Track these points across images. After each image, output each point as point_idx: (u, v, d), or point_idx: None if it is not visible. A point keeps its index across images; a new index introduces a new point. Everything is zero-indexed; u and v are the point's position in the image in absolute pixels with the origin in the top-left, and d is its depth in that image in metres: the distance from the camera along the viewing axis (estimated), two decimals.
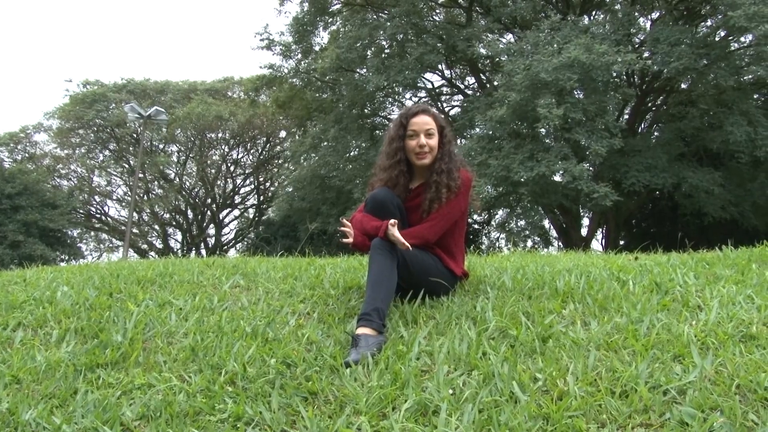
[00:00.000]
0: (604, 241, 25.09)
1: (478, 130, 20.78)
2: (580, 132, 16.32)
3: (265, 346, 2.78)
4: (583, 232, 22.72)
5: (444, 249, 3.48)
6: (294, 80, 24.43)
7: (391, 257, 3.13)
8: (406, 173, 3.50)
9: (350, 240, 3.30)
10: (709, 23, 19.30)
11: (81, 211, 33.19)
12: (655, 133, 21.41)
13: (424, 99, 25.07)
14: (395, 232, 3.12)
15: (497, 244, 29.50)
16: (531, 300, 3.18)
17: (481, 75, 23.69)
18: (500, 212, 26.47)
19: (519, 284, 3.53)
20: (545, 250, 29.82)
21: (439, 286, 3.39)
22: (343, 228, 3.35)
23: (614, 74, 17.54)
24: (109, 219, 34.90)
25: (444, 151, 3.47)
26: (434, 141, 3.46)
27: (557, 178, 17.06)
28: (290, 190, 25.53)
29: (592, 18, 21.07)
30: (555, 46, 16.75)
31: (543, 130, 17.21)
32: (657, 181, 17.23)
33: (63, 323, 3.36)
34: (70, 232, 28.90)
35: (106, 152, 33.27)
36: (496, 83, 20.28)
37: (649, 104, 22.30)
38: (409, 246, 3.12)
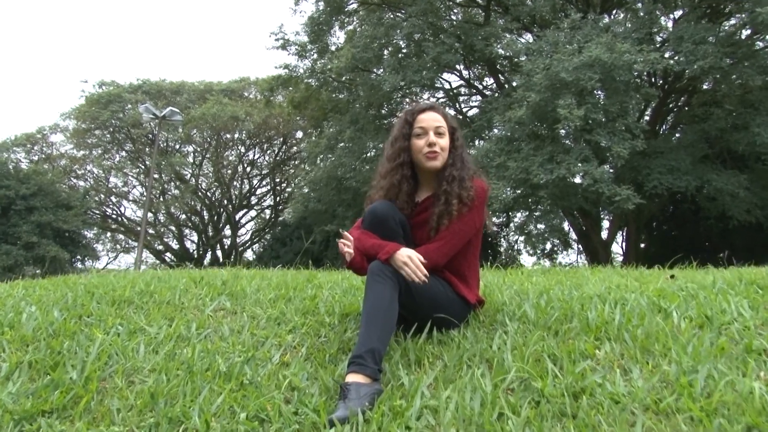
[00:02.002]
0: (624, 244, 24.56)
1: (496, 131, 20.32)
2: (601, 133, 15.78)
3: (239, 391, 2.33)
4: (604, 234, 22.16)
5: (455, 272, 2.98)
6: (310, 80, 24.07)
7: (392, 285, 2.65)
8: (411, 179, 3.01)
9: (350, 251, 2.82)
10: (733, 21, 18.66)
11: (97, 211, 33.09)
12: (677, 135, 20.78)
13: (441, 99, 24.59)
14: (414, 255, 2.70)
15: (516, 247, 29.02)
16: (558, 337, 2.67)
17: (500, 75, 23.15)
18: (519, 215, 25.91)
19: (543, 315, 3.03)
20: (564, 252, 29.39)
21: (448, 316, 2.91)
22: (342, 241, 2.86)
23: (636, 74, 17.00)
24: (125, 220, 34.80)
25: (455, 156, 2.99)
26: (445, 141, 2.99)
27: (577, 180, 16.54)
28: (306, 191, 25.17)
29: (612, 17, 20.48)
30: (575, 45, 16.21)
31: (563, 131, 16.68)
32: (680, 183, 16.64)
33: (17, 354, 2.93)
34: (85, 233, 28.66)
35: (123, 153, 33.17)
36: (515, 83, 19.74)
37: (671, 105, 21.68)
38: (426, 278, 2.67)
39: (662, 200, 20.11)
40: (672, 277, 3.98)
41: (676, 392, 2.00)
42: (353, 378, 2.26)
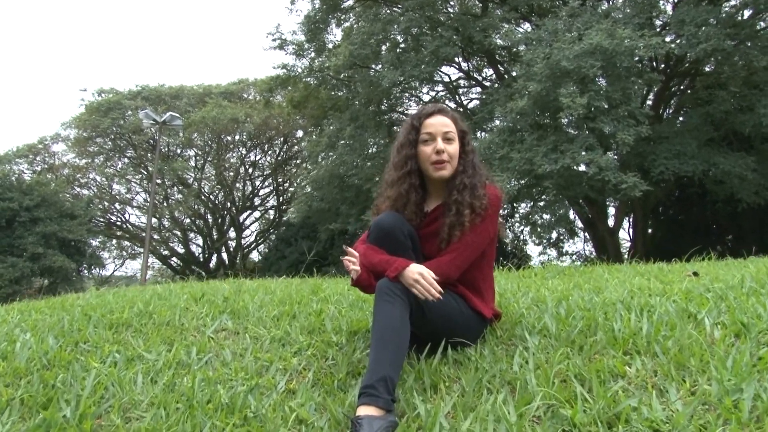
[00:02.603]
0: (631, 230, 24.34)
1: (498, 122, 20.12)
2: (605, 120, 15.57)
3: (243, 426, 2.16)
4: (610, 222, 21.96)
5: (469, 285, 2.78)
6: (308, 79, 23.87)
7: (403, 304, 2.45)
8: (419, 188, 2.82)
9: (356, 268, 2.63)
10: (733, 2, 18.39)
11: (102, 219, 33.05)
12: (682, 119, 20.53)
13: (441, 93, 24.38)
14: (425, 272, 2.51)
15: (521, 237, 28.84)
16: (583, 353, 2.46)
17: (499, 66, 22.90)
18: (523, 204, 25.69)
19: (564, 326, 2.84)
20: (570, 241, 29.17)
21: (463, 333, 2.72)
22: (347, 258, 2.68)
23: (637, 59, 16.77)
24: (129, 226, 34.74)
25: (466, 162, 2.81)
26: (454, 148, 2.80)
27: (582, 168, 16.33)
28: (308, 190, 25.04)
29: (611, 2, 20.22)
30: (575, 33, 16.00)
31: (566, 120, 16.47)
32: (687, 168, 16.40)
33: (8, 390, 2.76)
34: (90, 242, 28.58)
35: (125, 160, 33.10)
36: (515, 74, 19.52)
37: (674, 89, 21.42)
38: (440, 295, 2.48)
39: (668, 185, 19.91)
40: (695, 274, 3.79)
41: (721, 417, 1.81)
42: (365, 411, 2.07)
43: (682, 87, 21.29)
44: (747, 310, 2.67)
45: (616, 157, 16.38)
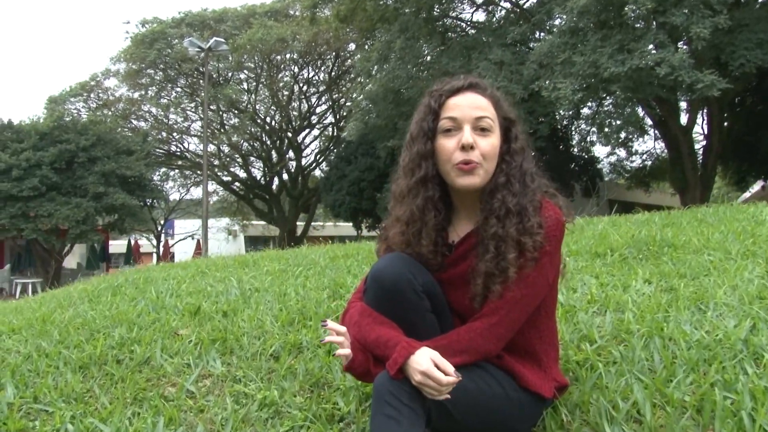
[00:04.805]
0: (706, 126, 22.93)
1: (558, 22, 18.84)
2: (676, 13, 14.23)
3: None
4: (683, 120, 20.67)
5: (520, 352, 1.91)
6: None
7: (412, 418, 1.67)
8: (440, 204, 1.92)
9: (345, 353, 1.82)
10: None
11: (161, 150, 33.18)
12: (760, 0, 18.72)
13: None
14: (432, 369, 1.65)
15: (588, 139, 27.64)
16: None
17: None
18: (588, 104, 24.37)
19: (667, 400, 1.92)
20: (641, 139, 27.79)
21: (513, 426, 1.87)
22: (329, 338, 1.83)
23: None
24: (189, 155, 34.84)
25: (511, 169, 1.88)
26: (490, 143, 1.87)
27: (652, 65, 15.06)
28: (363, 106, 24.27)
29: None
30: None
31: (632, 15, 15.13)
32: None
33: None
34: (151, 176, 28.77)
35: (177, 89, 32.87)
36: None
37: None
38: (456, 379, 1.66)
39: (747, 77, 18.41)
40: None
41: None
42: None
43: None
44: None
45: (689, 52, 15.06)
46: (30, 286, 22.68)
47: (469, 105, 1.88)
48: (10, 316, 4.55)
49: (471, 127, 1.85)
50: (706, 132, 23.13)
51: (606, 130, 21.50)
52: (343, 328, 1.84)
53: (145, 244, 41.37)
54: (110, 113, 31.89)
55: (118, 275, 6.31)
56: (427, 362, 1.66)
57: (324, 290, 3.85)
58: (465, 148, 1.83)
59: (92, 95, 32.64)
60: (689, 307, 2.67)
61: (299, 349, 2.87)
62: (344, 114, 33.50)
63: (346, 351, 1.81)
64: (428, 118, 1.91)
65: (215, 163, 34.12)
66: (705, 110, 21.49)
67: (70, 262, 28.97)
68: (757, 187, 30.12)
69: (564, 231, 1.88)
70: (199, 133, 32.58)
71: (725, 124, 21.73)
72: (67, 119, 25.85)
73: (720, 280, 2.99)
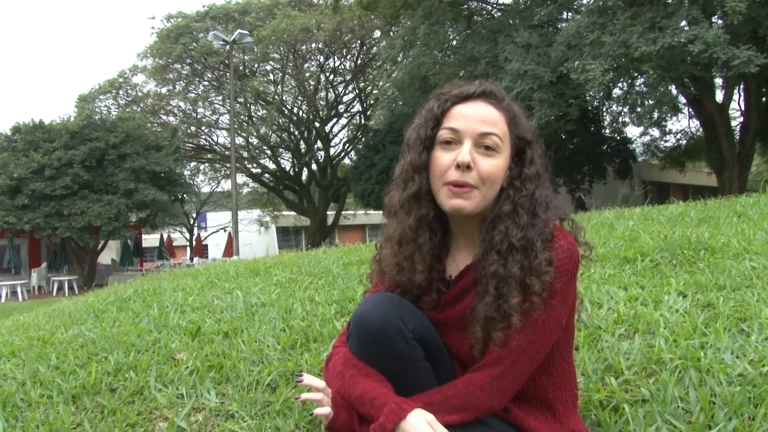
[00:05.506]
0: (743, 102, 22.26)
1: (585, 1, 18.35)
2: None
3: None
4: (718, 97, 20.02)
5: (532, 402, 1.63)
6: None
7: None
8: (434, 225, 1.65)
9: (324, 412, 1.56)
10: None
11: (190, 144, 33.29)
12: None
13: None
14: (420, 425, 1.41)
15: (620, 119, 27.03)
16: None
17: None
18: (619, 85, 23.77)
19: None
20: (675, 118, 27.03)
21: None
22: (306, 396, 1.62)
23: None
24: (219, 148, 34.95)
25: (520, 197, 1.59)
26: (493, 164, 1.58)
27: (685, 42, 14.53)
28: (390, 93, 23.96)
29: None
30: None
31: None
32: None
33: None
34: (181, 171, 28.89)
35: (204, 83, 32.92)
36: None
37: None
38: None
39: None
40: None
41: None
42: None
43: None
44: None
45: (724, 27, 14.48)
46: (66, 284, 22.99)
47: (475, 117, 1.59)
48: (14, 336, 4.43)
49: (473, 143, 1.58)
50: (743, 109, 22.46)
51: (638, 110, 20.95)
52: (322, 384, 1.61)
53: (179, 237, 41.70)
54: (139, 109, 32.07)
55: (127, 286, 6.19)
56: (424, 427, 1.41)
57: (332, 305, 3.64)
58: (460, 166, 1.55)
59: (121, 92, 32.88)
60: (729, 329, 2.38)
61: (283, 413, 2.65)
62: (371, 102, 33.21)
63: (326, 410, 1.56)
64: (428, 124, 1.64)
65: (244, 156, 34.15)
66: (742, 86, 20.80)
67: (105, 258, 29.30)
68: None
69: (578, 263, 1.58)
70: (227, 126, 32.63)
71: (763, 99, 21.02)
72: (97, 117, 26.01)
73: (765, 293, 2.70)
